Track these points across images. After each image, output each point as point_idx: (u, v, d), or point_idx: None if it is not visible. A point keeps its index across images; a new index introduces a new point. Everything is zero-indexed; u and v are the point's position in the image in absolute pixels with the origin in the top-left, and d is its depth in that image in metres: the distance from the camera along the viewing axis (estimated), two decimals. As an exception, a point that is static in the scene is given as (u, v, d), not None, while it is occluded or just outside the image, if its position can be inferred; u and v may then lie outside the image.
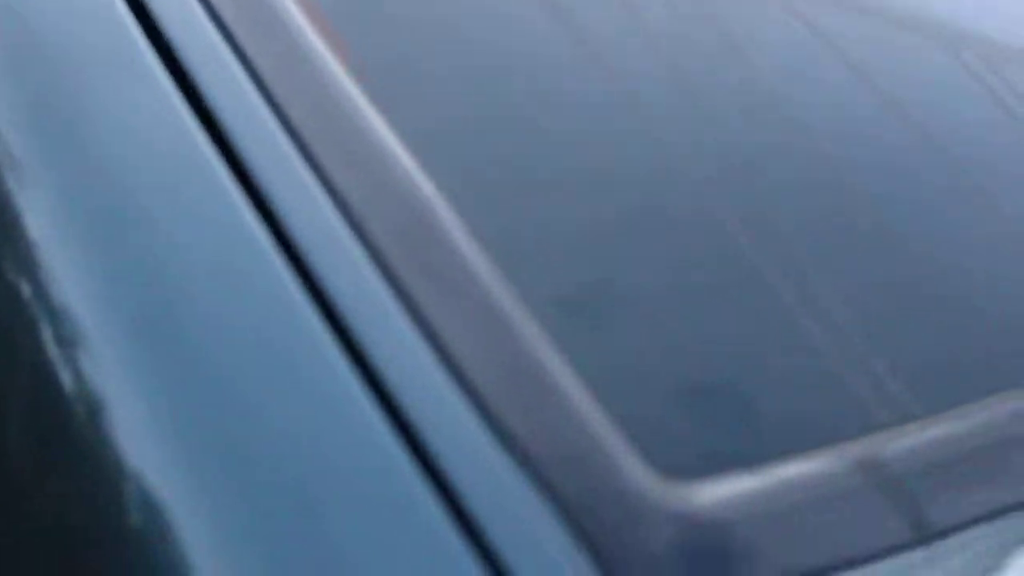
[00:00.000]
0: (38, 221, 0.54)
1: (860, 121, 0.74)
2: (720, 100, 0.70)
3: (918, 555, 0.53)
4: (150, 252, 0.52)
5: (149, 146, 0.55)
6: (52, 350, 0.52)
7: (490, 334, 0.52)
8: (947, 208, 0.71)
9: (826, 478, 0.55)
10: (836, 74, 0.76)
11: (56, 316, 0.52)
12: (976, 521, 0.55)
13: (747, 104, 0.70)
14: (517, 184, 0.61)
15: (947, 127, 0.77)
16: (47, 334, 0.52)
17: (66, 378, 0.50)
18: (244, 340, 0.49)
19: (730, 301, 0.61)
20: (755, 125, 0.70)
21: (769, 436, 0.57)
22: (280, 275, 0.51)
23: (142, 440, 0.47)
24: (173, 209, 0.53)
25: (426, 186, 0.55)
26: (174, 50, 0.59)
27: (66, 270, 0.52)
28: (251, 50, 0.59)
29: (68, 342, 0.51)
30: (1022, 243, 0.71)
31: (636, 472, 0.50)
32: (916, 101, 0.77)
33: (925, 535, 0.54)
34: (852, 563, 0.52)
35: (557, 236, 0.59)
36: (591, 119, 0.66)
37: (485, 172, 0.60)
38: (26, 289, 0.53)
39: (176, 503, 0.46)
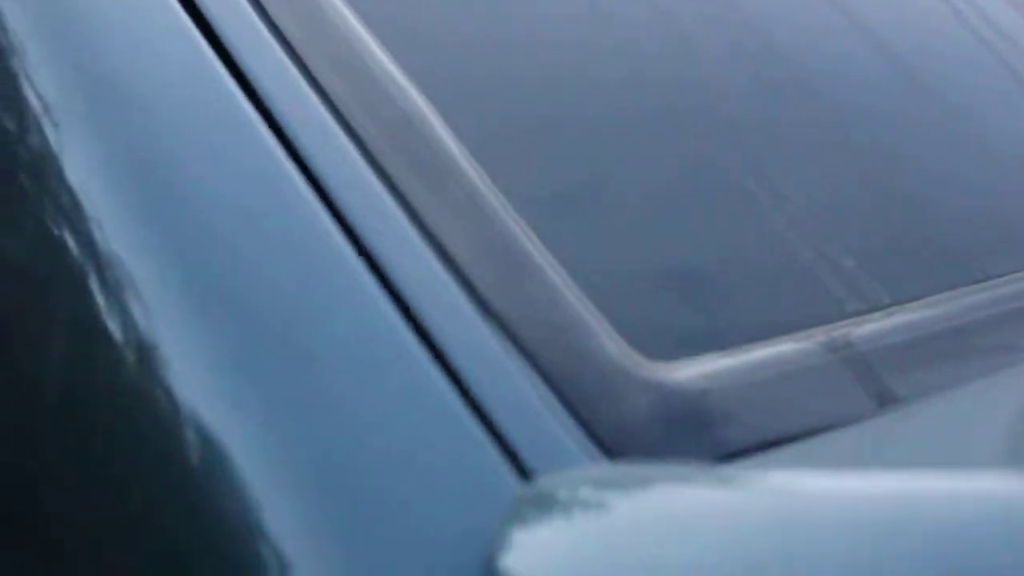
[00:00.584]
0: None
1: (830, 34, 0.78)
2: (701, 19, 0.75)
3: (878, 422, 0.58)
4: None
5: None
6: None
7: (483, 228, 0.57)
8: (913, 110, 0.76)
9: (794, 356, 0.59)
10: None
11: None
12: (933, 391, 0.60)
13: (724, 19, 0.74)
14: (503, 91, 0.65)
15: (912, 39, 0.81)
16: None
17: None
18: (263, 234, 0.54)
19: (707, 197, 0.65)
20: (730, 38, 0.74)
21: (741, 321, 0.62)
22: (303, 194, 0.55)
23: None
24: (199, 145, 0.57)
25: (418, 95, 0.60)
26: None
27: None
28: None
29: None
30: (983, 143, 0.76)
31: (619, 351, 0.55)
32: (881, 18, 0.81)
33: (886, 405, 0.59)
34: (818, 429, 0.56)
35: (544, 137, 0.64)
36: (575, 31, 0.71)
37: (472, 81, 0.65)
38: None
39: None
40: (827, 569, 0.39)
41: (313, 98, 0.58)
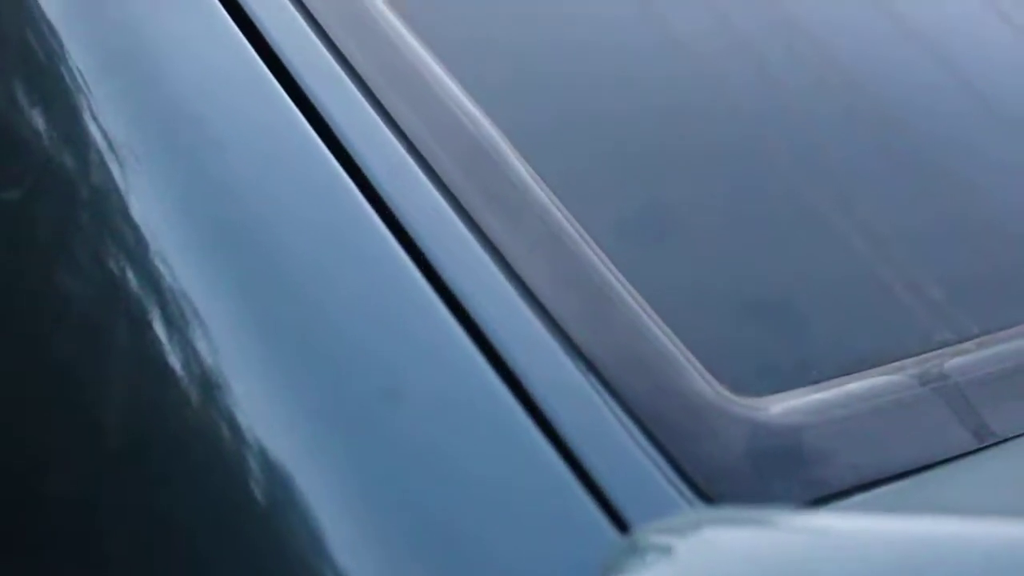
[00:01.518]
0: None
1: (912, 65, 0.77)
2: (768, 43, 0.73)
3: (977, 458, 0.56)
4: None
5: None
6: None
7: (564, 263, 0.55)
8: (997, 139, 0.74)
9: (887, 389, 0.58)
10: (877, 17, 0.78)
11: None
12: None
13: (803, 50, 0.73)
14: (580, 121, 0.64)
15: (993, 71, 0.79)
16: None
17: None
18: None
19: (793, 228, 0.64)
20: (812, 69, 0.73)
21: (830, 354, 0.60)
22: (370, 221, 0.54)
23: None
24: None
25: (493, 126, 0.59)
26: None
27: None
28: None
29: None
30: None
31: (708, 387, 0.53)
32: (959, 49, 0.80)
33: (984, 441, 0.57)
34: (915, 465, 0.54)
35: (625, 168, 0.63)
36: (644, 60, 0.70)
37: (548, 111, 0.64)
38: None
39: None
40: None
41: (388, 133, 0.57)
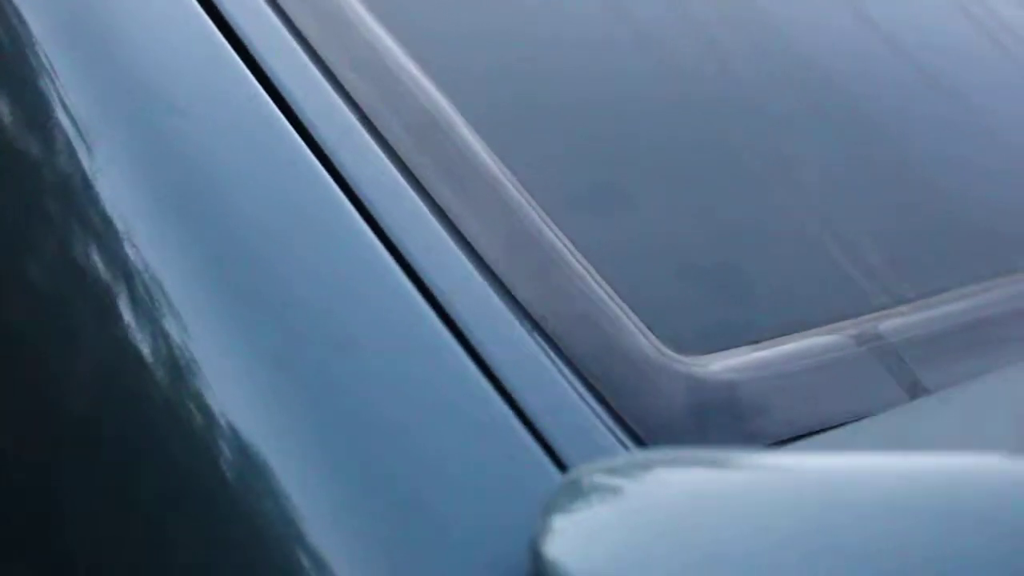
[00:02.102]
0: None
1: (853, 35, 0.79)
2: (723, 19, 0.75)
3: (907, 409, 0.58)
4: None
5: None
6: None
7: (512, 228, 0.57)
8: (939, 110, 0.77)
9: (824, 349, 0.60)
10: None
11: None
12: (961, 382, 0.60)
13: (745, 19, 0.76)
14: (525, 89, 0.66)
15: (934, 41, 0.82)
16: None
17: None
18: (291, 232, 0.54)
19: (735, 193, 0.66)
20: (752, 38, 0.75)
21: (770, 316, 0.62)
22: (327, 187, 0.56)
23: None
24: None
25: (441, 95, 0.61)
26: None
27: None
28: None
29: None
30: (1009, 140, 0.77)
31: (651, 346, 0.56)
32: (903, 21, 0.82)
33: (916, 396, 0.60)
34: (849, 420, 0.57)
35: (568, 135, 0.65)
36: (597, 29, 0.72)
37: (494, 79, 0.66)
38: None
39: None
40: (860, 545, 0.40)
41: (340, 103, 0.59)
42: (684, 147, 0.68)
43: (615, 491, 0.45)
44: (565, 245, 0.58)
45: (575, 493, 0.45)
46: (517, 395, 0.51)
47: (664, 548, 0.42)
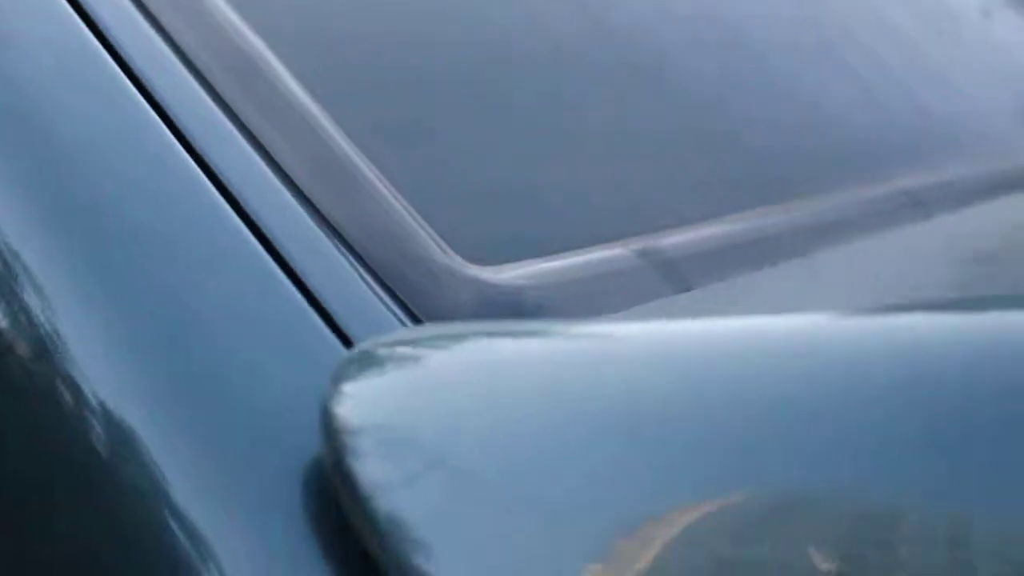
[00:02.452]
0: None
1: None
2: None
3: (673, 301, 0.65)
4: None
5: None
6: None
7: (319, 151, 0.63)
8: (729, 60, 0.85)
9: (607, 260, 0.67)
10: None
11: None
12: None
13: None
14: (336, 32, 0.72)
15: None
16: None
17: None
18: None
19: (528, 117, 0.73)
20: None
21: (560, 232, 0.69)
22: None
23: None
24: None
25: (258, 39, 0.67)
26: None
27: None
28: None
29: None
30: (788, 88, 0.85)
31: (443, 255, 0.62)
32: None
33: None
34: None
35: (370, 69, 0.71)
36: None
37: (305, 18, 0.72)
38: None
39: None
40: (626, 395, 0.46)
41: (163, 46, 0.64)
42: (483, 80, 0.74)
43: (403, 358, 0.52)
44: (370, 168, 0.64)
45: (364, 362, 0.51)
46: (316, 291, 0.57)
47: (446, 401, 0.48)
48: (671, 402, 0.44)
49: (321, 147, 0.63)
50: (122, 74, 0.62)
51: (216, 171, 0.60)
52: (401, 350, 0.51)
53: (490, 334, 0.52)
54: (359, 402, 0.48)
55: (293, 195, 0.61)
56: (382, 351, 0.51)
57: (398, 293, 0.59)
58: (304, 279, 0.57)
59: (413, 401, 0.48)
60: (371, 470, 0.46)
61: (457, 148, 0.70)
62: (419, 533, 0.43)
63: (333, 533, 0.48)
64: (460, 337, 0.52)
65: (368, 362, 0.51)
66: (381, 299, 0.58)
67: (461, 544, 0.43)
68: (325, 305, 0.57)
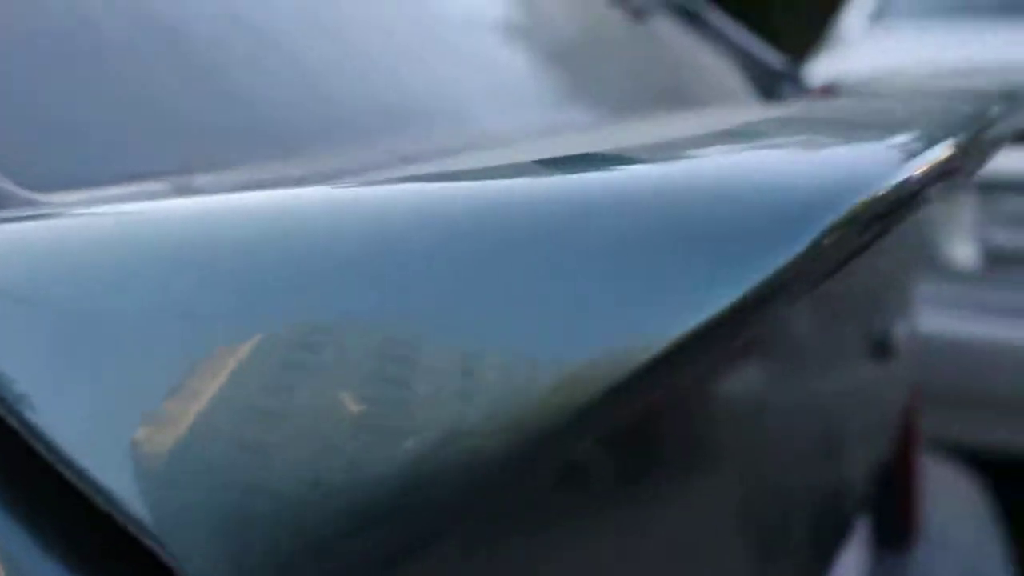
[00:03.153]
0: None
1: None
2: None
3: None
4: None
5: None
6: None
7: None
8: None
9: (144, 194, 0.78)
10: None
11: None
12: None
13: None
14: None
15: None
16: None
17: None
18: None
19: (87, 57, 0.82)
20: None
21: (109, 168, 0.79)
22: None
23: None
24: None
25: None
26: None
27: None
28: None
29: None
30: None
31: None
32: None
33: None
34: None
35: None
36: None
37: None
38: None
39: None
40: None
41: None
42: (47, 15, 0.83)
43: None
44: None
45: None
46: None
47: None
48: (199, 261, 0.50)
49: None
50: None
51: None
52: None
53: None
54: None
55: None
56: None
57: None
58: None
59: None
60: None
61: (17, 84, 0.79)
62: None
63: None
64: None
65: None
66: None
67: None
68: None
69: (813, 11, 9.56)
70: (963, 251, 3.96)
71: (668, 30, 1.76)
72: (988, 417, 3.82)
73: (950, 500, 2.28)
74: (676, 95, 1.55)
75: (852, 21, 4.59)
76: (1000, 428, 3.83)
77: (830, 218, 0.49)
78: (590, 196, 0.50)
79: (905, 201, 0.55)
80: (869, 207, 0.52)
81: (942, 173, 0.61)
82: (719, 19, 1.84)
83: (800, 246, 0.47)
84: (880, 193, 0.53)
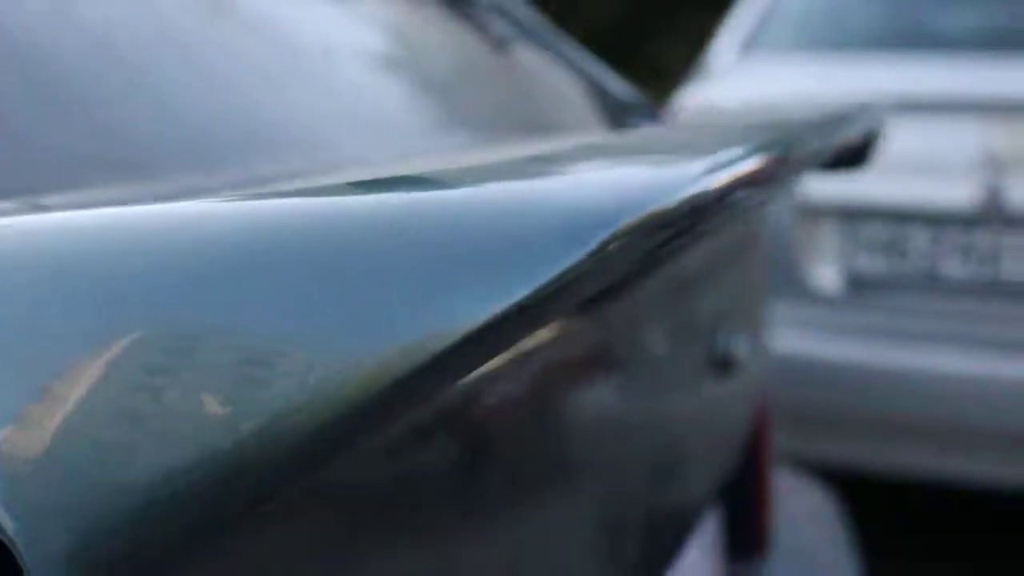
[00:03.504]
0: None
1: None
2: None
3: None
4: None
5: None
6: None
7: None
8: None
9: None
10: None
11: None
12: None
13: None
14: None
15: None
16: None
17: None
18: None
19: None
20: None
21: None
22: None
23: None
24: None
25: None
26: None
27: None
28: None
29: None
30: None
31: None
32: None
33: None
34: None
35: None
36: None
37: None
38: None
39: None
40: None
41: None
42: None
43: None
44: None
45: None
46: None
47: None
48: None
49: None
50: None
51: None
52: None
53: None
54: None
55: None
56: None
57: None
58: None
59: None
60: None
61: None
62: None
63: None
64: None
65: None
66: None
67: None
68: None
69: (695, 40, 9.81)
70: (827, 275, 4.12)
71: (528, 61, 1.84)
72: (846, 435, 3.98)
73: (802, 512, 2.39)
74: (531, 123, 1.62)
75: (722, 51, 4.74)
76: (858, 446, 3.98)
77: (601, 233, 0.56)
78: (393, 211, 0.57)
79: (678, 220, 0.63)
80: (644, 224, 0.60)
81: (721, 195, 0.69)
82: (575, 51, 1.93)
83: (569, 258, 0.54)
84: (654, 211, 0.61)
